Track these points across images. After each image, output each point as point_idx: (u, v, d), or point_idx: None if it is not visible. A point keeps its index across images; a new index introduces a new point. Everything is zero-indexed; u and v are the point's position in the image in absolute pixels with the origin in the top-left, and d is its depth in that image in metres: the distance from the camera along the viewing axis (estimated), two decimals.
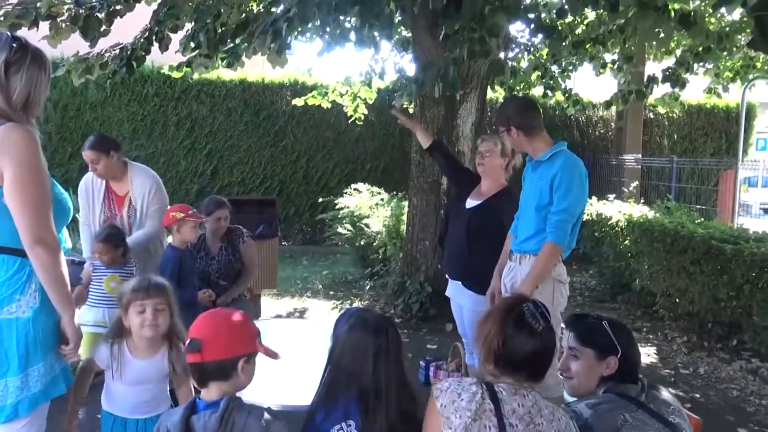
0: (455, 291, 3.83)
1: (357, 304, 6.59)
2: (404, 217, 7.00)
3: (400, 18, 5.30)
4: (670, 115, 11.94)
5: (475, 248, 3.61)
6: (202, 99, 10.41)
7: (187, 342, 1.82)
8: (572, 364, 2.05)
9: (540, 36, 4.74)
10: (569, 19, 7.53)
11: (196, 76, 6.86)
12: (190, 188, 10.44)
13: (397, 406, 1.85)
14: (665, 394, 2.01)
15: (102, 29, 4.55)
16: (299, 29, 4.20)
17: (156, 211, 3.93)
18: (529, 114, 3.16)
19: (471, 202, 3.70)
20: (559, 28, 6.18)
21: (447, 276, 3.95)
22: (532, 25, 4.36)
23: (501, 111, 3.32)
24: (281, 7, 4.90)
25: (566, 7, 4.97)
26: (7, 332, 1.94)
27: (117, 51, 5.21)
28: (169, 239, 4.01)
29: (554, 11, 7.50)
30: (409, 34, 7.23)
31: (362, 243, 7.25)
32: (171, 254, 3.73)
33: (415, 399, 1.92)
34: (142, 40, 5.11)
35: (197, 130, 10.45)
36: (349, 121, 9.86)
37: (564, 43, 6.89)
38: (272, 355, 1.92)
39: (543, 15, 6.02)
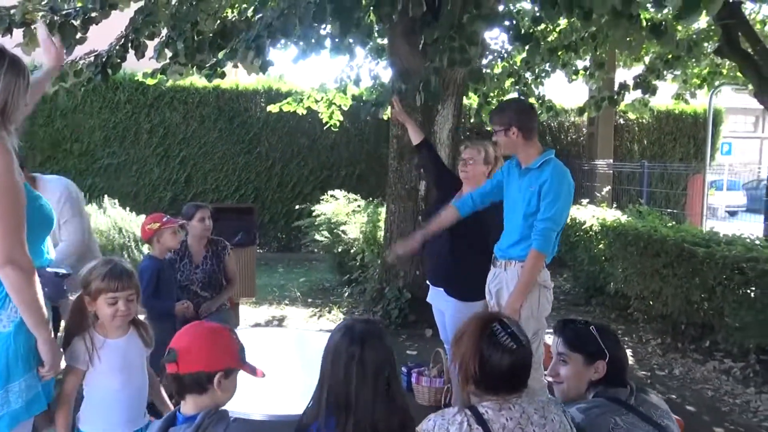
0: (437, 297, 3.84)
1: (335, 311, 6.59)
2: (381, 224, 7.02)
3: (378, 28, 5.32)
4: (640, 120, 12.17)
5: (458, 256, 3.63)
6: (175, 106, 10.33)
7: (166, 351, 1.80)
8: (561, 369, 2.09)
9: (518, 44, 4.79)
10: (541, 26, 7.65)
11: (169, 83, 6.81)
12: (164, 196, 10.34)
13: (371, 422, 1.78)
14: (654, 397, 2.05)
15: (78, 36, 4.49)
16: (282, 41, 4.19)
17: (67, 223, 3.67)
18: (530, 116, 3.18)
19: None
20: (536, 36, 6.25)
21: (428, 282, 3.96)
22: (511, 33, 4.40)
23: (502, 110, 3.27)
24: (259, 15, 4.90)
25: (541, 15, 5.07)
26: None
27: (92, 58, 5.15)
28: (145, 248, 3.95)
29: (528, 19, 7.69)
30: (384, 41, 7.29)
31: (340, 250, 7.25)
32: (148, 264, 3.69)
33: (404, 419, 1.85)
34: (117, 47, 5.06)
35: (170, 137, 10.37)
36: (324, 128, 9.87)
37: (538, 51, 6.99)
38: (255, 373, 1.91)
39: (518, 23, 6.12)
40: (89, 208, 6.77)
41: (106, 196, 7.65)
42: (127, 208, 7.37)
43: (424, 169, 4.35)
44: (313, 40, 4.47)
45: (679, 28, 8.13)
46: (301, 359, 3.51)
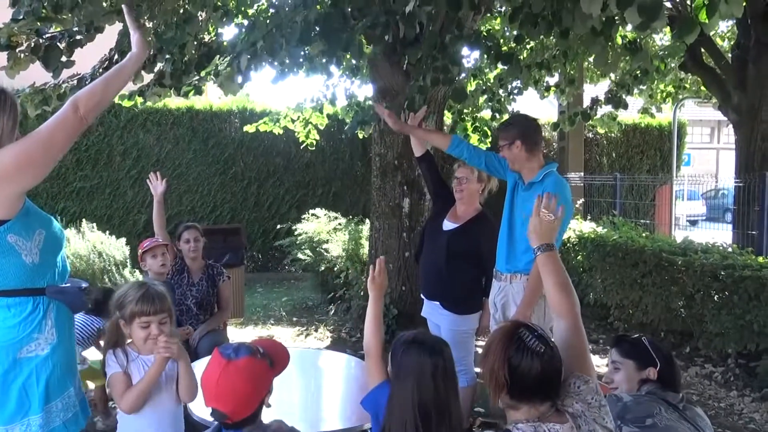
0: (432, 311, 3.91)
1: (322, 329, 6.60)
2: (363, 241, 7.07)
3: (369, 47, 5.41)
4: (609, 134, 12.46)
5: (453, 271, 3.71)
6: (148, 128, 10.25)
7: (211, 410, 1.85)
8: (615, 376, 2.26)
9: (500, 63, 4.92)
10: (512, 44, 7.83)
11: (149, 104, 6.79)
12: (138, 219, 10.23)
13: (459, 425, 1.91)
14: (700, 410, 2.20)
15: (65, 60, 4.47)
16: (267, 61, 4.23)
17: None
18: (534, 131, 3.32)
19: (448, 225, 3.79)
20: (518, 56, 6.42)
21: (423, 296, 4.02)
22: (492, 53, 4.52)
23: (508, 125, 3.42)
24: (242, 36, 4.95)
25: (522, 34, 5.21)
26: (27, 371, 1.93)
27: (74, 82, 5.13)
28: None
29: (498, 37, 7.86)
30: (361, 61, 7.38)
31: (323, 268, 7.27)
32: None
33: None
34: (101, 69, 5.05)
35: (144, 159, 10.27)
36: (301, 147, 9.91)
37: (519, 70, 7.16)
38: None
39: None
40: (66, 233, 6.69)
41: (84, 220, 7.54)
42: (107, 232, 7.30)
43: (425, 180, 4.42)
44: (301, 60, 4.52)
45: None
46: (297, 377, 3.53)
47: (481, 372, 1.88)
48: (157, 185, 4.05)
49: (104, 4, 4.91)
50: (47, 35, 4.49)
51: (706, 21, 3.24)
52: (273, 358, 1.95)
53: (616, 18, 3.98)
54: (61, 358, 2.00)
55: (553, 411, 1.77)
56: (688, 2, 7.79)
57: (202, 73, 5.04)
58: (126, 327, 2.32)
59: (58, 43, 4.50)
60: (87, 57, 5.37)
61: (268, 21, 4.42)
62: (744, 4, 3.27)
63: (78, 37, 4.58)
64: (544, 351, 1.75)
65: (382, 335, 2.36)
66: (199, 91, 5.40)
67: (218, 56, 4.80)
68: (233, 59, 4.43)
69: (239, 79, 4.53)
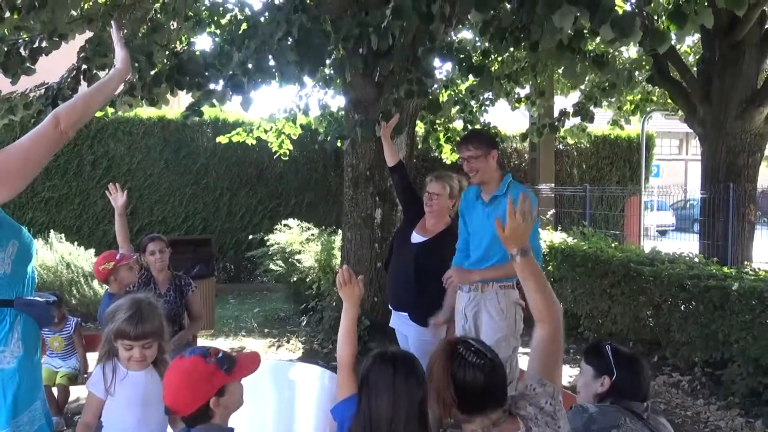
0: (400, 322, 3.92)
1: (294, 340, 6.56)
2: (336, 252, 7.06)
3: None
4: (579, 145, 12.63)
5: (421, 283, 3.72)
6: (119, 137, 10.15)
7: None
8: (578, 382, 2.25)
9: (471, 75, 4.97)
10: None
11: (120, 113, 6.72)
12: (108, 229, 10.06)
13: None
14: (664, 420, 2.21)
15: (25, 66, 4.42)
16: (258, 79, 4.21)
17: None
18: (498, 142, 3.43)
19: (417, 237, 3.81)
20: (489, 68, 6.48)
21: (391, 307, 4.03)
22: (464, 65, 4.57)
23: (482, 135, 3.57)
24: (217, 47, 4.94)
25: (490, 48, 5.28)
26: None
27: (42, 90, 5.06)
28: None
29: (470, 48, 7.95)
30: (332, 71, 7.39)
31: (295, 279, 7.24)
32: (108, 303, 3.65)
33: None
34: (69, 78, 4.99)
35: (114, 169, 10.16)
36: (275, 157, 9.88)
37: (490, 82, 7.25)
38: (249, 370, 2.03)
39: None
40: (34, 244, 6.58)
41: (52, 231, 7.42)
42: (75, 243, 7.19)
43: (396, 190, 4.43)
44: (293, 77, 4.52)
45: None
46: (274, 389, 3.51)
47: (429, 394, 1.87)
48: (117, 197, 3.97)
49: (73, 12, 4.88)
50: (9, 41, 4.44)
51: (676, 32, 3.34)
52: (232, 365, 1.94)
53: (585, 31, 4.06)
54: (28, 371, 1.98)
55: (506, 416, 1.80)
56: (656, 16, 7.95)
57: (196, 96, 4.96)
58: (114, 341, 2.32)
59: (21, 50, 4.45)
60: (56, 65, 5.33)
61: (246, 39, 4.40)
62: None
63: (43, 44, 4.53)
64: (485, 363, 1.78)
65: (355, 346, 2.34)
66: (198, 114, 5.27)
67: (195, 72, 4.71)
68: (227, 82, 4.39)
69: (230, 95, 4.49)
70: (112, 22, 2.74)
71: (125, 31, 4.39)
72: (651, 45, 3.45)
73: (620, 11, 3.45)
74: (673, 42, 3.40)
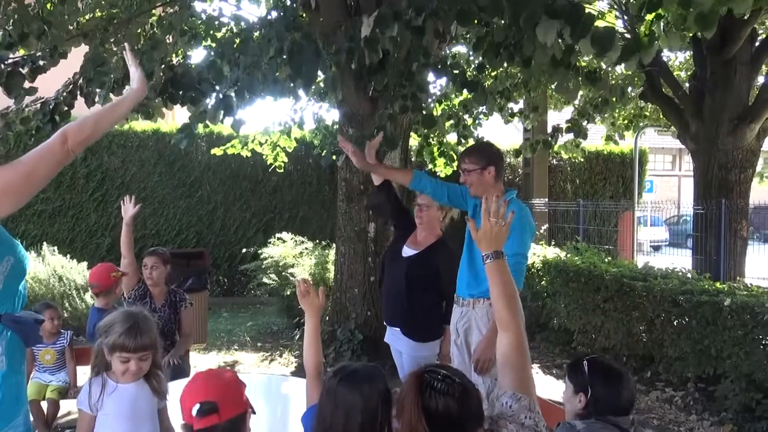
0: (394, 337, 3.90)
1: (287, 354, 6.54)
2: (330, 266, 7.06)
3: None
4: (573, 161, 12.69)
5: (413, 297, 3.70)
6: (113, 150, 10.14)
7: (197, 407, 1.82)
8: (563, 396, 2.24)
9: (466, 91, 5.01)
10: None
11: (116, 126, 6.73)
12: (101, 242, 10.06)
13: None
14: None
15: (28, 87, 4.43)
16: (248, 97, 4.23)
17: None
18: (501, 158, 3.42)
19: (408, 251, 3.80)
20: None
21: (385, 323, 4.01)
22: (458, 80, 4.60)
23: (482, 150, 3.46)
24: (209, 59, 4.95)
25: (484, 63, 5.31)
26: None
27: (38, 105, 5.06)
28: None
29: (464, 62, 8.00)
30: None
31: (288, 292, 7.23)
32: (97, 317, 3.63)
33: None
34: (65, 93, 5.00)
35: (108, 182, 10.14)
36: (270, 170, 9.88)
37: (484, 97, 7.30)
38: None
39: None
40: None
41: (45, 243, 7.39)
42: (68, 256, 7.16)
43: (378, 209, 4.38)
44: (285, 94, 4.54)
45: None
46: (267, 404, 3.49)
47: (399, 427, 1.77)
48: (128, 207, 4.00)
49: (69, 27, 4.90)
50: (10, 61, 4.45)
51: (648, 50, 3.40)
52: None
53: (576, 47, 4.10)
54: (11, 387, 1.96)
55: None
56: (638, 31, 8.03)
57: (189, 118, 4.97)
58: (108, 355, 2.30)
59: (21, 69, 4.46)
60: (51, 81, 5.33)
61: (237, 53, 4.42)
62: (691, 35, 3.44)
63: (41, 62, 4.54)
64: (455, 388, 1.70)
65: (320, 354, 2.34)
66: (189, 135, 5.31)
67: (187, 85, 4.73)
68: (219, 102, 4.41)
69: (221, 115, 4.51)
70: (126, 44, 2.75)
71: (114, 44, 4.39)
72: (621, 59, 3.50)
73: (600, 27, 3.51)
74: (642, 60, 3.46)
